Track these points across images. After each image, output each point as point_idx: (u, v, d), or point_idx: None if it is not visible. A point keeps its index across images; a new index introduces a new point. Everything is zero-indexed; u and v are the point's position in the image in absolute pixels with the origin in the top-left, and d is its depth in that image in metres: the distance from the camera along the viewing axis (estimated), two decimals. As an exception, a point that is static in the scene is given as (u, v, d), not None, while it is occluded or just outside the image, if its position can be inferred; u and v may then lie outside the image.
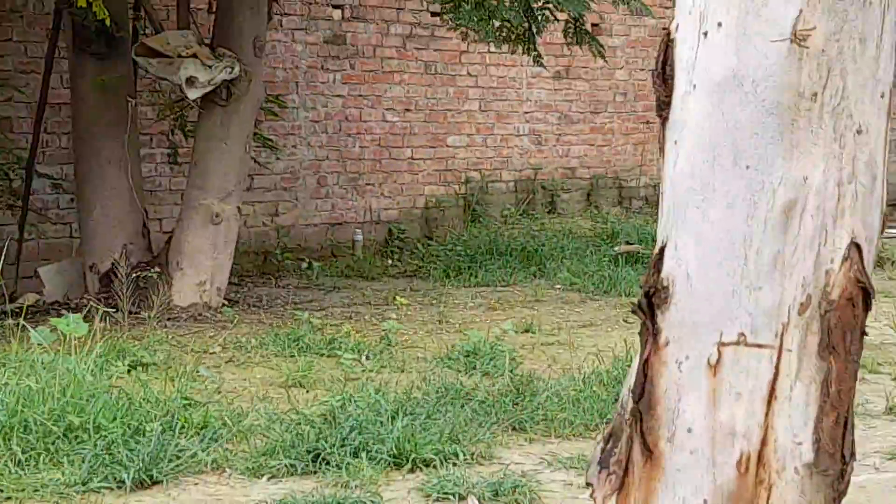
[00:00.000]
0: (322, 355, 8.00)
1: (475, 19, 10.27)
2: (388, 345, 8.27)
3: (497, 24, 10.55)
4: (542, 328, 9.00)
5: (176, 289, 9.85)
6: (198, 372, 7.26)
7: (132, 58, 10.03)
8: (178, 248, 9.96)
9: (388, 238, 13.67)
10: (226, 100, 9.90)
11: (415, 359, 7.93)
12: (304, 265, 12.15)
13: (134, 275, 9.78)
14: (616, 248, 12.01)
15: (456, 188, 14.36)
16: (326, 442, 5.68)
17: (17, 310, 8.70)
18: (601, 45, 11.48)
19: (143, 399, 6.13)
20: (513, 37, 10.85)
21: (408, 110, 13.98)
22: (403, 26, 13.90)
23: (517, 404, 6.51)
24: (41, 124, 11.00)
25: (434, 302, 10.30)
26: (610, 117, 15.90)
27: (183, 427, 5.92)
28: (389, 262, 12.91)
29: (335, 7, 13.34)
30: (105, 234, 10.04)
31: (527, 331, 8.88)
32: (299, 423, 6.08)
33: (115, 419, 5.81)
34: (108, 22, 8.79)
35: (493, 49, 13.77)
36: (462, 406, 6.43)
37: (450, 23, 11.12)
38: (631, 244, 12.20)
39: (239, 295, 10.66)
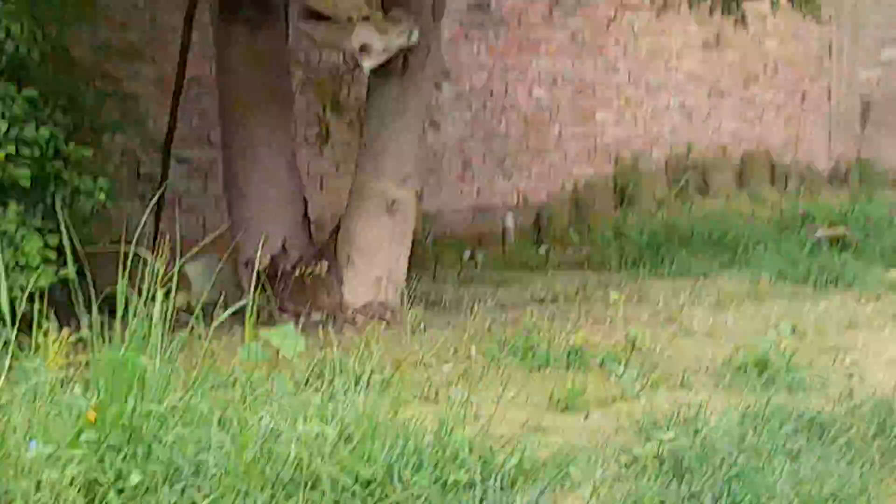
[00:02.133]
0: (569, 368, 6.70)
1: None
2: (639, 352, 6.95)
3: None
4: (806, 330, 7.65)
5: (349, 287, 8.55)
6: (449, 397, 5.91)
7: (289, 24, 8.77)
8: (349, 240, 8.63)
9: (537, 223, 12.37)
10: (403, 70, 8.56)
11: (690, 371, 6.60)
12: (467, 256, 10.83)
13: (298, 272, 8.54)
14: (818, 233, 10.61)
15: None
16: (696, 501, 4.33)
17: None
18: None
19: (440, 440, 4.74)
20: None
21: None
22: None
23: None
24: (178, 102, 9.73)
25: (637, 298, 8.96)
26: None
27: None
28: (542, 249, 11.56)
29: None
30: (261, 226, 8.74)
31: (792, 332, 7.50)
32: (633, 467, 4.75)
33: (414, 468, 4.48)
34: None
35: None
36: (823, 445, 5.07)
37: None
38: (834, 227, 10.80)
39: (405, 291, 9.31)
